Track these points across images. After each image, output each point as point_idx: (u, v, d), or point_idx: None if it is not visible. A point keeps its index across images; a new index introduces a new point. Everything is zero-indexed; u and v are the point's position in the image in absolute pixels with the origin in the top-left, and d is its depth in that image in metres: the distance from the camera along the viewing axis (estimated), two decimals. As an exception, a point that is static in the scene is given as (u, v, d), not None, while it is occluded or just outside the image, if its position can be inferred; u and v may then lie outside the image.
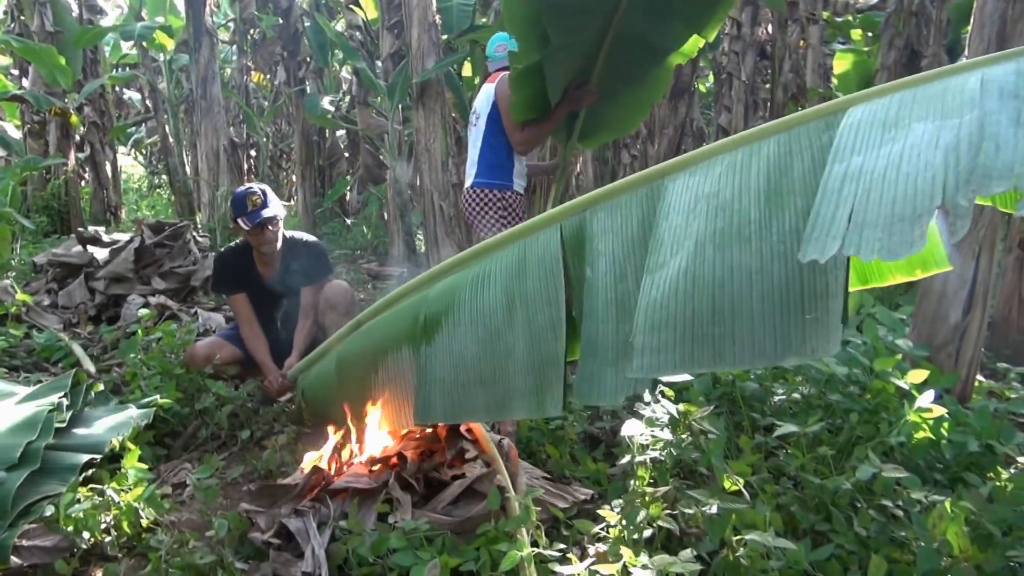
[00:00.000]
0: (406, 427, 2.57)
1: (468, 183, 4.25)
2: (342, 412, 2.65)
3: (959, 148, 1.37)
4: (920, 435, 2.47)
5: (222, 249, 4.16)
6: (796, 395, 2.94)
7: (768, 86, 8.78)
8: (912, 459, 2.47)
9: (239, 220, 3.62)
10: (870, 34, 8.70)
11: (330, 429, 2.74)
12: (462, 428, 2.75)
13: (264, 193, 3.66)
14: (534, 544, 2.16)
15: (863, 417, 2.61)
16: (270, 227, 3.65)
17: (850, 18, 9.43)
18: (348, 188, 10.84)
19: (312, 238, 3.98)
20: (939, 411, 2.46)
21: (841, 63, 7.84)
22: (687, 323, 1.57)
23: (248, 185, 3.76)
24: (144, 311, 4.44)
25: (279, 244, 3.75)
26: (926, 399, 2.46)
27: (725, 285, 1.54)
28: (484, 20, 7.40)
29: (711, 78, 11.06)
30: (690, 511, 2.16)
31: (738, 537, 1.99)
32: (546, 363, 1.91)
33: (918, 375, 2.61)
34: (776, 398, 2.98)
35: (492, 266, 2.11)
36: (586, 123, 4.32)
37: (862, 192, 1.42)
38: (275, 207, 3.66)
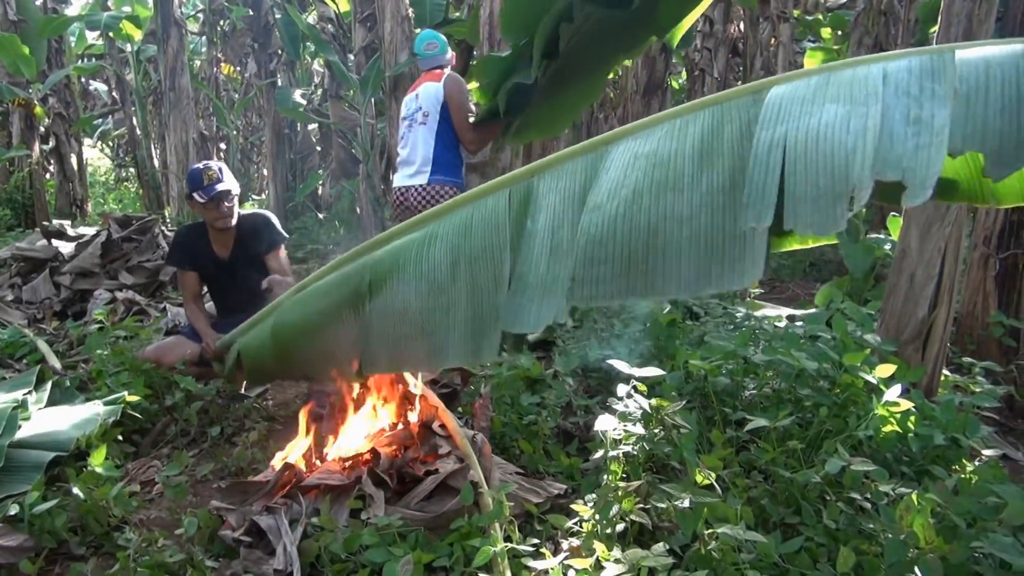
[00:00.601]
0: (349, 381, 2.56)
1: (419, 181, 4.20)
2: (280, 374, 2.74)
3: (865, 135, 1.56)
4: (887, 429, 2.50)
5: (180, 226, 4.10)
6: (767, 390, 2.97)
7: (740, 83, 8.85)
8: (880, 452, 2.50)
9: (195, 194, 3.59)
10: (840, 32, 8.81)
11: (300, 425, 2.72)
12: (435, 424, 2.74)
13: (220, 169, 3.65)
14: (507, 539, 2.16)
15: (832, 411, 2.65)
16: (225, 202, 3.62)
17: (820, 16, 9.54)
18: (320, 183, 10.75)
19: (259, 211, 3.95)
20: (906, 405, 2.49)
21: (811, 61, 7.92)
22: (624, 259, 1.77)
23: (205, 161, 3.78)
24: (100, 309, 4.36)
25: (234, 220, 3.71)
26: (893, 393, 2.49)
27: (659, 229, 1.75)
28: (457, 14, 7.37)
29: (684, 75, 11.13)
30: (662, 505, 2.17)
31: (710, 531, 2.01)
32: (486, 314, 2.01)
33: (886, 370, 2.65)
34: (747, 393, 3.00)
35: (439, 228, 2.19)
36: (519, 123, 4.38)
37: (789, 161, 1.61)
38: (230, 182, 3.64)
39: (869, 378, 2.64)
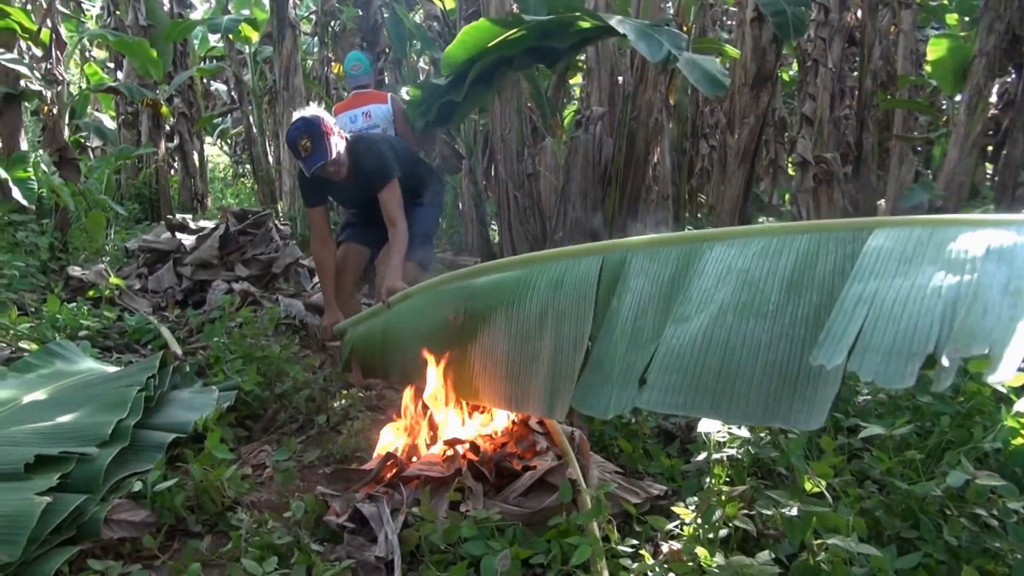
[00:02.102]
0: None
1: None
2: (383, 372, 3.02)
3: (956, 303, 1.56)
4: (1017, 441, 2.33)
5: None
6: (882, 395, 2.82)
7: (856, 74, 8.45)
8: (1008, 466, 2.34)
9: (299, 162, 3.64)
10: (967, 18, 8.28)
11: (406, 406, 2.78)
12: (533, 420, 2.74)
13: (313, 136, 3.54)
14: (605, 539, 2.13)
15: (955, 421, 2.49)
16: (329, 168, 3.63)
17: (945, 2, 8.98)
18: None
19: (368, 143, 3.91)
20: None
21: (935, 49, 7.46)
22: (696, 374, 1.82)
23: (298, 120, 3.63)
24: (225, 298, 4.58)
25: (345, 168, 3.74)
26: (1025, 404, 2.32)
27: (736, 350, 1.78)
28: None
29: (795, 66, 10.73)
30: (768, 512, 2.10)
31: (819, 541, 1.92)
32: (563, 374, 2.14)
33: (1017, 378, 2.47)
34: (861, 398, 2.86)
35: (534, 277, 2.33)
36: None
37: (871, 317, 1.63)
38: (327, 149, 3.55)
39: (998, 386, 2.47)
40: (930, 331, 1.55)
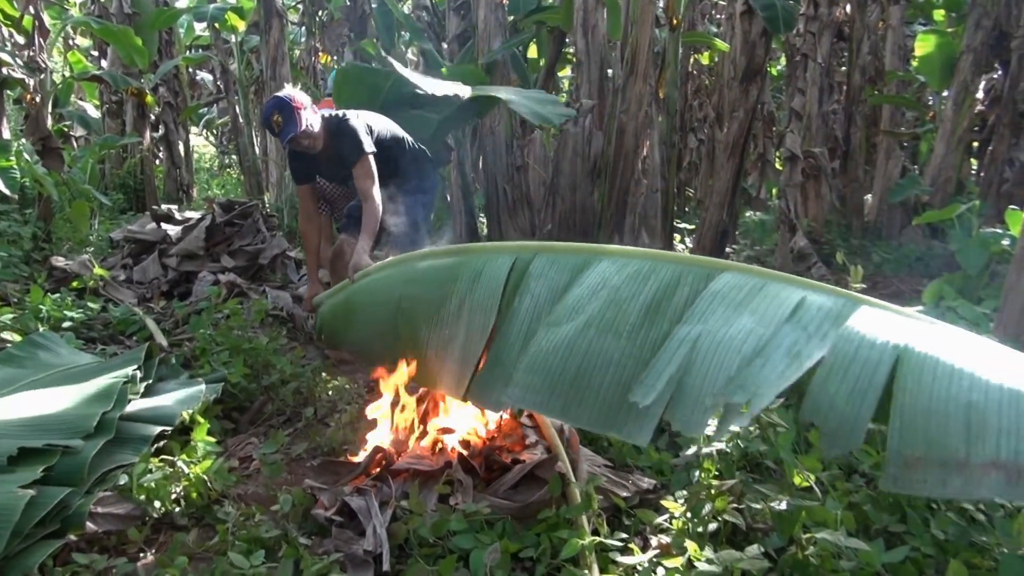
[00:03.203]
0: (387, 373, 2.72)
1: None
2: (348, 345, 3.23)
3: (750, 357, 1.70)
4: None
5: None
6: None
7: (844, 69, 8.47)
8: (995, 461, 2.35)
9: (275, 138, 3.80)
10: (954, 14, 8.30)
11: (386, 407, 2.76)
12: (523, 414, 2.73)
13: (283, 110, 3.73)
14: (595, 532, 2.13)
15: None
16: (302, 141, 3.81)
17: (933, -3, 9.01)
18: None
19: (341, 120, 3.99)
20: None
21: (923, 45, 7.48)
22: (554, 378, 1.97)
23: (270, 99, 3.91)
24: (211, 289, 4.55)
25: (319, 141, 3.91)
26: (1012, 398, 2.33)
27: (591, 362, 1.93)
28: (551, 1, 7.31)
29: (783, 60, 10.75)
30: (757, 506, 2.10)
31: (807, 535, 1.93)
32: (467, 359, 2.28)
33: None
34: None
35: (461, 268, 2.47)
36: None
37: (687, 361, 1.78)
38: (298, 122, 3.73)
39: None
40: (716, 382, 1.71)
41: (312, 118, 3.81)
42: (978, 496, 1.70)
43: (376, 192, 3.81)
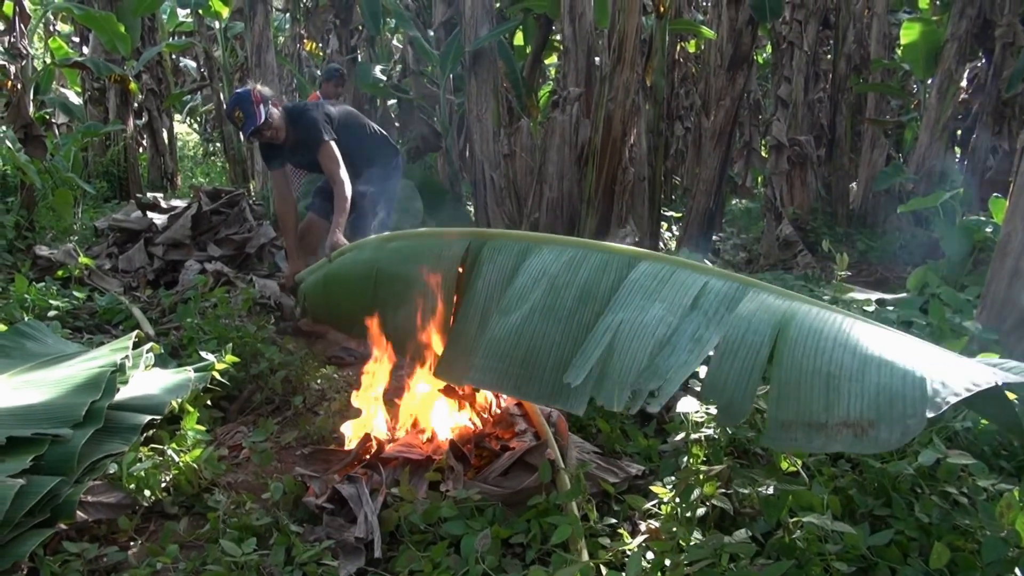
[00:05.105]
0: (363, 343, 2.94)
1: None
2: (328, 320, 3.41)
3: (661, 342, 1.93)
4: (987, 421, 2.38)
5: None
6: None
7: (830, 57, 8.50)
8: (977, 445, 2.39)
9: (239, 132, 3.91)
10: (939, 2, 8.35)
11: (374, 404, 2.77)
12: (512, 402, 2.75)
13: (242, 105, 3.92)
14: (584, 518, 2.15)
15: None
16: (265, 132, 4.02)
17: (918, -14, 9.05)
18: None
19: (300, 111, 4.24)
20: (1009, 396, 2.36)
21: (908, 33, 7.52)
22: (507, 361, 2.19)
23: (232, 95, 4.10)
24: (198, 278, 4.53)
25: (282, 134, 4.11)
26: (994, 384, 2.36)
27: (536, 345, 2.15)
28: (538, -12, 7.29)
29: (769, 48, 10.76)
30: (745, 491, 2.13)
31: (794, 519, 1.96)
32: (432, 336, 2.54)
33: (986, 359, 2.51)
34: (834, 378, 2.90)
35: (423, 248, 2.68)
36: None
37: (610, 346, 2.00)
38: (256, 115, 3.92)
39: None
40: (639, 365, 1.91)
41: (273, 111, 4.02)
42: (833, 449, 2.00)
43: (343, 174, 4.03)
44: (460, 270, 2.48)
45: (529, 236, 2.56)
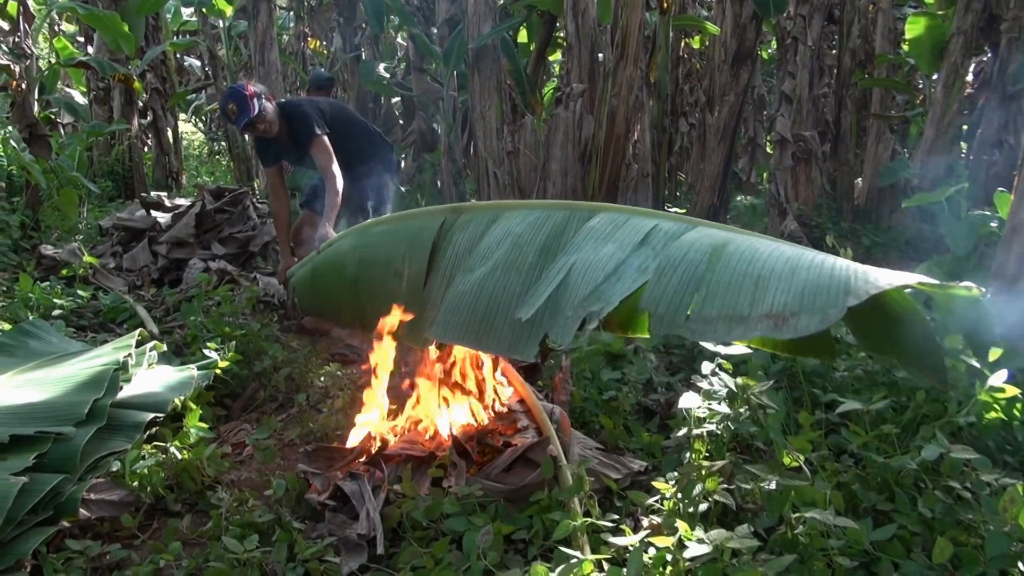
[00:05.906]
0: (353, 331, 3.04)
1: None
2: (316, 311, 3.49)
3: (609, 274, 1.98)
4: (991, 416, 2.37)
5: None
6: (859, 371, 2.86)
7: (835, 52, 8.46)
8: (981, 440, 2.38)
9: (232, 126, 4.01)
10: (945, -3, 8.29)
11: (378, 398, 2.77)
12: (514, 399, 2.74)
13: (236, 99, 3.99)
14: (587, 514, 2.15)
15: (930, 395, 2.52)
16: (259, 125, 4.09)
17: (924, -20, 9.00)
18: (402, 155, 10.86)
19: (293, 106, 4.33)
20: (1012, 391, 2.35)
21: (913, 28, 7.47)
22: (469, 315, 2.22)
23: (226, 90, 4.18)
24: (202, 276, 4.54)
25: (275, 127, 4.17)
26: (999, 379, 2.35)
27: (498, 300, 2.18)
28: (541, -16, 7.28)
29: (773, 44, 10.73)
30: (747, 486, 2.12)
31: (797, 514, 1.95)
32: (411, 297, 2.56)
33: (991, 354, 2.50)
34: (838, 374, 2.89)
35: (402, 228, 2.75)
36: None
37: (562, 283, 2.05)
38: (249, 108, 3.98)
39: (972, 362, 2.50)
40: (584, 294, 1.95)
41: (267, 105, 4.08)
42: (751, 337, 2.06)
43: (335, 168, 4.07)
44: (433, 243, 2.55)
45: (500, 204, 2.62)
